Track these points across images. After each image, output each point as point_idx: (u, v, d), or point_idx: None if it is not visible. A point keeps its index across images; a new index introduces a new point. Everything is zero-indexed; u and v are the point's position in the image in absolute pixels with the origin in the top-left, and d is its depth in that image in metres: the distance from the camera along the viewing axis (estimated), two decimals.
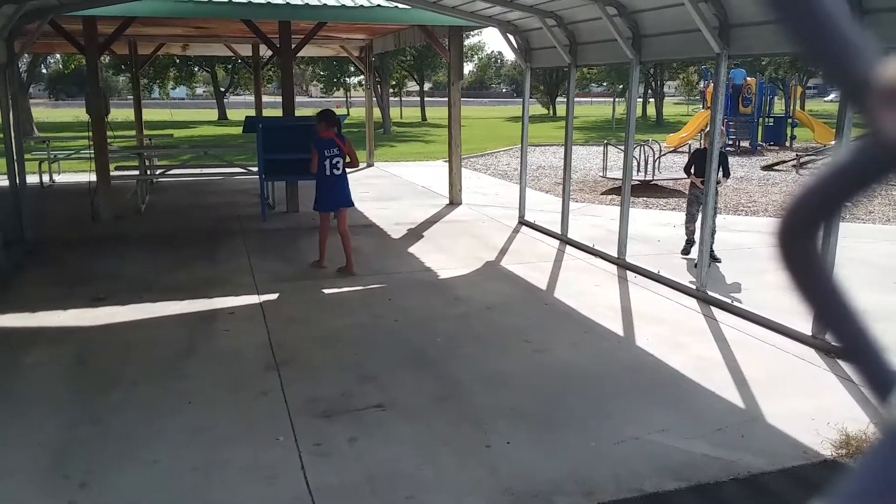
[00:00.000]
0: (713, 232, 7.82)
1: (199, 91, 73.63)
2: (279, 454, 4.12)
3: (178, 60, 41.64)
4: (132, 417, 4.56)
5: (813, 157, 19.22)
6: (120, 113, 25.91)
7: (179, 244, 9.65)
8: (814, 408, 4.61)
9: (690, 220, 8.54)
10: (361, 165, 7.62)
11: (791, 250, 0.42)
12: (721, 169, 7.93)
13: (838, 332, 0.39)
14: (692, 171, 8.35)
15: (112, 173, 11.57)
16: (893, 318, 5.76)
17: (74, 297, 7.10)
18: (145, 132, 18.18)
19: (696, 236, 8.21)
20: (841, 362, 5.27)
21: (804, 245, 0.44)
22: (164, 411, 4.64)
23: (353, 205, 8.11)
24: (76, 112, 38.41)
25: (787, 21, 0.37)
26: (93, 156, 11.07)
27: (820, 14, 0.35)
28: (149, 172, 13.84)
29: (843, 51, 0.35)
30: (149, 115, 29.68)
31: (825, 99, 61.11)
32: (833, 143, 12.84)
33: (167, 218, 11.60)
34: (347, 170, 7.84)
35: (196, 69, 47.50)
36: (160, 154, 15.81)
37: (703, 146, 8.18)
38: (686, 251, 8.70)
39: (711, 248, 7.89)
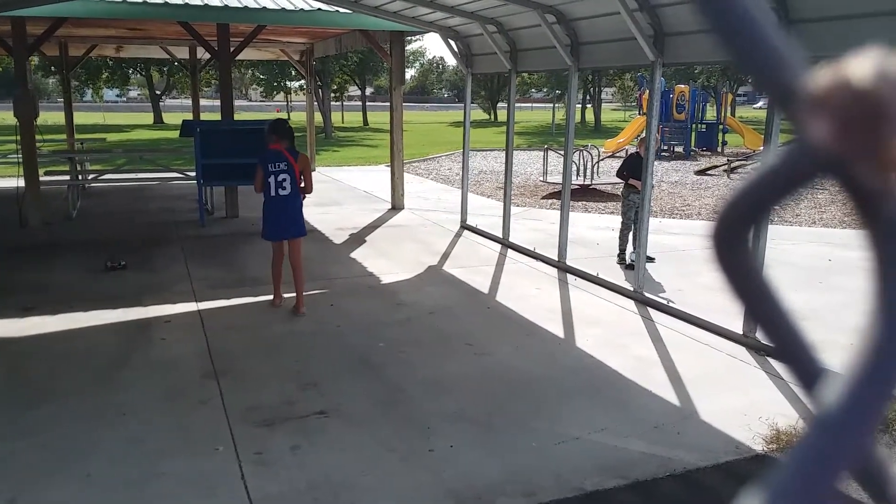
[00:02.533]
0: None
1: (134, 94, 71.73)
2: (218, 465, 4.04)
3: (111, 62, 40.50)
4: (64, 430, 4.40)
5: (743, 162, 19.86)
6: (50, 116, 25.04)
7: (113, 251, 9.36)
8: (746, 404, 4.76)
9: (627, 228, 8.50)
10: None
11: (724, 251, 0.43)
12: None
13: (769, 330, 0.41)
14: (625, 174, 8.37)
15: (41, 178, 11.16)
16: (819, 317, 6.01)
17: (1, 307, 6.82)
18: (77, 136, 17.61)
19: (629, 246, 8.35)
20: (771, 360, 5.47)
21: (736, 246, 0.45)
22: (98, 423, 4.50)
23: (303, 234, 6.75)
24: (3, 115, 36.95)
25: (717, 31, 0.38)
26: (21, 160, 10.66)
27: (748, 25, 0.36)
28: (80, 177, 13.40)
29: (771, 60, 0.36)
30: (80, 118, 28.77)
31: (754, 106, 63.29)
32: (762, 148, 13.31)
33: (100, 224, 11.25)
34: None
35: (130, 72, 46.28)
36: (92, 158, 15.33)
37: (638, 152, 8.30)
38: (622, 260, 8.59)
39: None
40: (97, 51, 18.76)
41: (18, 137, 10.56)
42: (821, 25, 5.23)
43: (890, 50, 0.33)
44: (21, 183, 10.69)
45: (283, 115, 32.80)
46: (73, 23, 11.08)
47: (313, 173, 7.35)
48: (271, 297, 7.22)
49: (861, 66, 0.32)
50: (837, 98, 0.32)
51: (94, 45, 17.45)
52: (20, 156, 10.66)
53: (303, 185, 6.54)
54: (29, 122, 10.55)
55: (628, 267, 8.23)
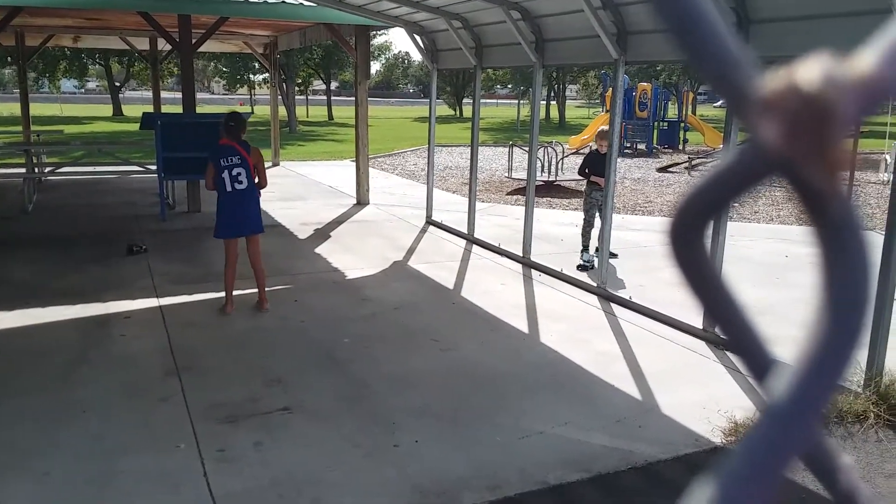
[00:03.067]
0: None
1: (92, 85, 70.21)
2: (180, 462, 3.99)
3: (69, 53, 39.58)
4: (22, 428, 4.31)
5: (703, 159, 20.18)
6: (5, 107, 24.42)
7: (71, 246, 9.18)
8: (705, 397, 4.85)
9: (589, 225, 8.45)
10: (266, 164, 6.79)
11: (681, 248, 0.44)
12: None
13: (724, 325, 0.42)
14: (586, 172, 8.34)
15: None
16: (775, 312, 6.14)
17: None
18: (33, 128, 17.19)
19: (593, 243, 8.37)
20: (728, 354, 5.58)
21: (693, 242, 0.46)
22: (57, 421, 4.41)
23: (261, 230, 6.47)
24: None
25: (673, 32, 0.39)
26: None
27: (703, 27, 0.38)
28: (37, 170, 13.08)
29: (725, 63, 0.38)
30: (37, 109, 28.06)
31: (714, 105, 64.26)
32: (721, 146, 13.56)
33: (58, 218, 11.00)
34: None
35: (89, 62, 45.29)
36: (49, 151, 14.99)
37: (597, 149, 8.28)
38: (586, 261, 8.46)
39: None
40: (54, 41, 18.33)
41: None
42: (779, 26, 5.34)
43: (838, 53, 0.34)
44: None
45: (247, 109, 32.43)
46: (30, 12, 10.82)
47: (277, 167, 7.22)
48: (235, 292, 7.14)
49: (809, 69, 0.34)
50: (786, 101, 0.33)
51: (51, 35, 17.05)
52: None
53: (258, 179, 6.34)
54: None
55: (581, 268, 8.22)
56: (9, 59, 23.56)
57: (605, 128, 8.08)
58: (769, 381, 0.42)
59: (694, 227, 0.46)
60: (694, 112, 34.02)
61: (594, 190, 8.28)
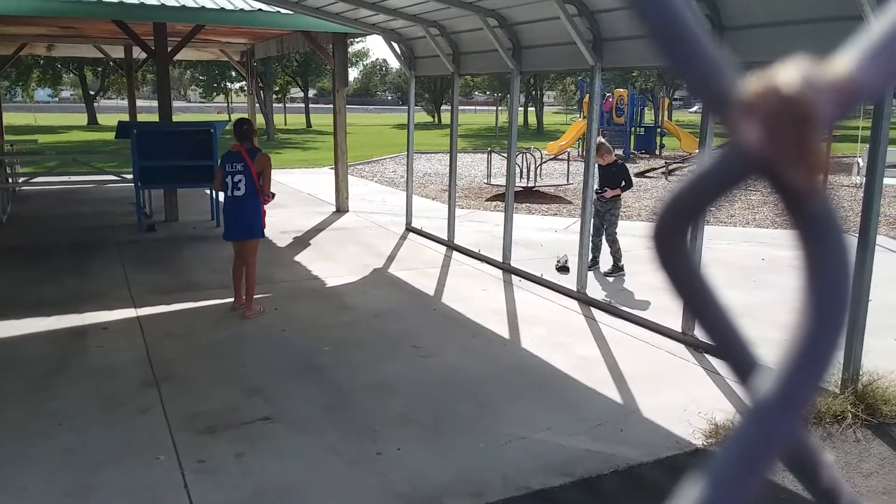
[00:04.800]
0: (614, 241, 8.19)
1: (67, 94, 69.43)
2: (160, 474, 3.95)
3: (42, 62, 39.13)
4: None
5: (680, 164, 20.37)
6: None
7: (46, 256, 9.05)
8: (685, 400, 4.89)
9: (597, 234, 8.33)
10: None
11: (663, 250, 0.45)
12: (624, 180, 8.20)
13: (707, 326, 0.43)
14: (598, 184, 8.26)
15: None
16: (753, 314, 6.20)
17: None
18: (6, 137, 16.94)
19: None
20: (708, 356, 5.62)
21: (675, 245, 0.47)
22: (33, 434, 4.34)
23: (255, 236, 6.65)
24: None
25: (652, 37, 0.40)
26: None
27: (682, 31, 0.38)
28: (11, 180, 12.90)
29: (704, 66, 0.38)
30: (10, 118, 27.69)
31: (690, 110, 64.92)
32: (697, 151, 13.67)
33: (32, 229, 10.85)
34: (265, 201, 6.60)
35: (63, 71, 44.80)
36: (23, 161, 14.79)
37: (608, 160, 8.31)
38: (593, 264, 8.30)
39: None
40: (27, 49, 18.10)
41: None
42: (752, 32, 5.41)
43: (815, 57, 0.35)
44: None
45: (224, 117, 32.26)
46: (2, 20, 10.68)
47: None
48: (214, 301, 7.11)
49: (788, 72, 0.34)
50: (766, 103, 0.34)
51: (24, 44, 16.83)
52: None
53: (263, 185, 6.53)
54: None
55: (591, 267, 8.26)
56: None
57: (602, 140, 8.15)
58: (752, 381, 0.43)
59: (677, 230, 0.47)
60: (670, 117, 34.35)
61: (596, 200, 8.24)
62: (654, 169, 20.09)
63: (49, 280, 7.90)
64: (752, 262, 9.11)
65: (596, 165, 7.82)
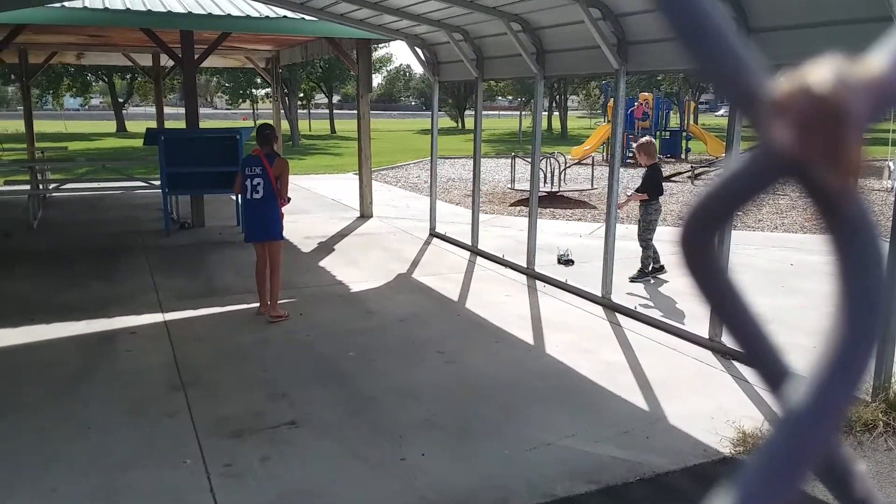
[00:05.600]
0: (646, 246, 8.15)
1: (96, 102, 70.58)
2: (186, 477, 3.98)
3: (72, 70, 39.82)
4: (26, 444, 4.30)
5: (706, 168, 20.17)
6: (9, 125, 24.55)
7: (76, 262, 9.19)
8: (712, 407, 4.82)
9: (648, 246, 8.26)
10: None
11: (692, 256, 0.44)
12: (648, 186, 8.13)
13: (736, 333, 0.42)
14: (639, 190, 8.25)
15: (0, 188, 10.92)
16: (782, 320, 6.12)
17: None
18: (37, 144, 17.25)
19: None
20: (736, 363, 5.55)
21: (704, 250, 0.46)
22: (62, 437, 4.40)
23: (274, 238, 6.77)
24: None
25: (681, 39, 0.39)
26: None
27: (711, 32, 0.37)
28: (41, 187, 13.13)
29: (735, 67, 0.37)
30: (41, 126, 28.21)
31: (716, 114, 64.31)
32: (724, 155, 13.48)
33: (62, 234, 11.03)
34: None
35: (92, 79, 45.56)
36: (54, 167, 15.05)
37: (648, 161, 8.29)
38: (643, 276, 8.26)
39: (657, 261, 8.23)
40: (58, 58, 18.43)
41: None
42: (780, 34, 5.34)
43: (847, 56, 0.34)
44: None
45: (250, 123, 32.58)
46: (33, 29, 10.89)
47: None
48: (240, 306, 7.17)
49: (821, 71, 0.33)
50: (798, 103, 0.33)
51: (54, 53, 17.15)
52: None
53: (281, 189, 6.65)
54: None
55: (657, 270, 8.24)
56: (12, 76, 23.76)
57: (643, 139, 8.11)
58: (782, 389, 0.42)
59: (705, 235, 0.46)
60: (696, 121, 34.06)
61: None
62: (680, 173, 19.92)
63: (78, 285, 8.02)
64: (781, 266, 8.99)
65: (620, 169, 7.79)
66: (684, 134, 26.08)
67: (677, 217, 13.23)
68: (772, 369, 0.44)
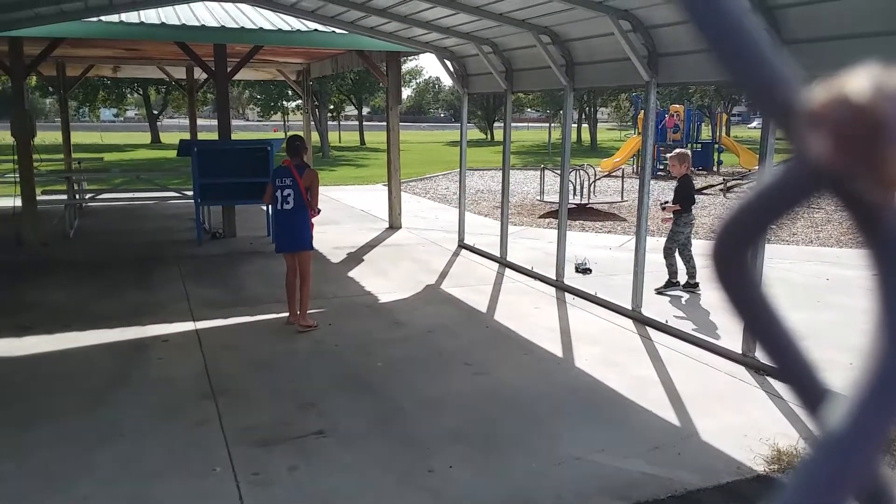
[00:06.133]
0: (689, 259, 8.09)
1: (131, 114, 71.96)
2: (216, 485, 4.00)
3: (108, 82, 40.66)
4: (60, 451, 4.36)
5: (739, 181, 19.92)
6: (47, 136, 25.06)
7: (110, 270, 9.35)
8: (746, 424, 4.74)
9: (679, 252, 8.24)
10: None
11: (724, 270, 0.43)
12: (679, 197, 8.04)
13: (771, 349, 0.41)
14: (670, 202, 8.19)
15: (38, 197, 11.16)
16: (818, 336, 6.01)
17: None
18: (74, 155, 17.62)
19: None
20: (770, 379, 5.45)
21: (737, 264, 0.45)
22: (95, 444, 4.46)
23: (304, 248, 6.79)
24: (1, 134, 37.02)
25: (715, 50, 0.38)
26: (18, 180, 10.67)
27: (745, 43, 0.36)
28: (78, 197, 13.40)
29: (769, 77, 0.36)
30: (78, 137, 28.83)
31: (749, 126, 63.61)
32: (757, 167, 13.32)
33: (97, 243, 11.23)
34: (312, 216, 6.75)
35: (127, 91, 46.46)
36: (90, 178, 15.34)
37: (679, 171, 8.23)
38: (669, 286, 8.22)
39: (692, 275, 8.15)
40: (94, 71, 18.83)
41: (16, 157, 10.57)
42: (814, 46, 5.27)
43: (886, 66, 0.33)
44: (18, 202, 10.69)
45: (280, 135, 32.94)
46: (71, 43, 11.14)
47: None
48: (270, 315, 7.22)
49: (859, 81, 0.32)
50: (836, 113, 0.32)
51: (91, 66, 17.52)
52: (17, 175, 10.66)
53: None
54: (26, 142, 10.57)
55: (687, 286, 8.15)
56: (50, 89, 24.29)
57: (678, 150, 8.07)
58: (820, 408, 0.41)
59: (739, 248, 0.45)
60: (728, 133, 33.70)
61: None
62: (712, 186, 19.70)
63: (113, 293, 8.15)
64: (816, 281, 8.83)
65: (651, 181, 7.72)
66: (716, 146, 25.82)
67: (709, 230, 13.08)
68: (807, 386, 0.43)
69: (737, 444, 4.46)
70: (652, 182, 8.26)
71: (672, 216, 8.20)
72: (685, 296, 8.10)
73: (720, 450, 4.43)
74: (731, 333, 6.08)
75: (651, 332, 6.83)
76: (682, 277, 8.24)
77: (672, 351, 6.29)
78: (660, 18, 6.46)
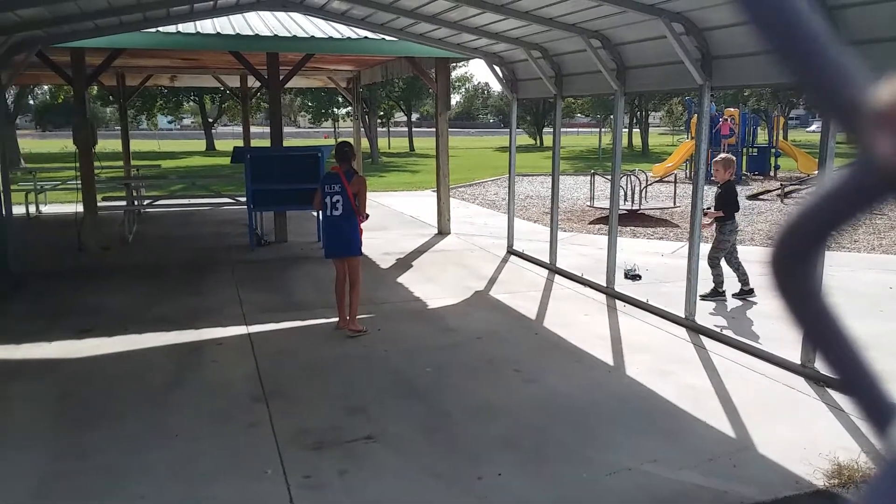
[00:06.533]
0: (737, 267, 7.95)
1: (187, 121, 73.80)
2: (268, 487, 4.06)
3: (165, 91, 41.80)
4: (118, 451, 4.48)
5: (797, 186, 19.40)
6: (108, 143, 25.90)
7: (167, 274, 9.59)
8: (804, 437, 4.60)
9: (716, 265, 8.06)
10: None
11: (783, 277, 0.41)
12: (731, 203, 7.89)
13: (831, 359, 0.39)
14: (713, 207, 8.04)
15: (99, 204, 11.52)
16: (881, 346, 5.79)
17: (60, 329, 7.03)
18: (133, 162, 18.14)
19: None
20: (830, 391, 5.28)
21: (799, 271, 0.43)
22: (151, 445, 4.57)
23: (353, 254, 6.85)
24: (64, 142, 38.33)
25: (776, 48, 0.37)
26: (79, 186, 11.03)
27: (810, 42, 0.35)
28: (136, 203, 13.79)
29: (833, 76, 0.35)
30: (136, 145, 29.68)
31: (807, 129, 61.96)
32: (816, 172, 12.94)
33: (154, 248, 11.54)
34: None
35: (183, 100, 47.69)
36: (148, 184, 15.78)
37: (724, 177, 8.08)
38: (715, 295, 8.05)
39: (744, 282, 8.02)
40: (152, 80, 19.36)
41: (78, 164, 10.94)
42: (875, 47, 5.10)
43: None
44: (80, 208, 11.05)
45: (331, 142, 33.36)
46: (130, 54, 11.48)
47: None
48: (320, 320, 7.31)
49: None
50: None
51: (149, 75, 18.02)
52: (79, 182, 11.03)
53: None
54: (88, 150, 10.93)
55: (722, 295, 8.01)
56: (111, 97, 25.09)
57: (722, 155, 7.92)
58: (885, 422, 0.39)
59: (800, 255, 0.43)
60: (785, 137, 32.87)
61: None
62: (769, 191, 19.23)
63: (169, 297, 8.35)
64: (879, 290, 8.53)
65: (705, 187, 7.57)
66: (773, 150, 25.20)
67: (766, 237, 12.76)
68: (871, 399, 0.41)
69: (795, 457, 4.33)
70: (706, 188, 8.09)
71: (712, 222, 8.00)
72: (738, 303, 7.91)
73: (777, 463, 4.30)
74: (788, 343, 5.90)
75: (705, 340, 6.69)
76: (734, 286, 8.05)
77: (727, 360, 6.15)
78: (714, 20, 6.34)
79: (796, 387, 5.50)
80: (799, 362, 5.73)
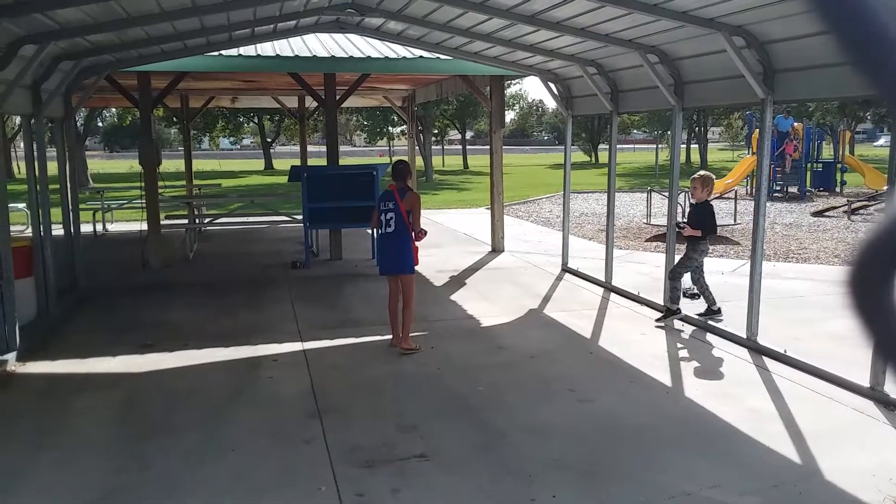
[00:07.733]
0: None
1: (247, 141, 75.71)
2: None
3: (226, 112, 42.98)
4: (176, 464, 4.56)
5: (865, 202, 18.74)
6: (171, 163, 26.74)
7: (225, 291, 9.79)
8: (874, 463, 4.40)
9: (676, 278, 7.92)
10: None
11: (861, 297, 0.38)
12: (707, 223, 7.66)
13: None
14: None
15: (162, 222, 11.86)
16: None
17: (123, 343, 7.22)
18: (195, 182, 18.66)
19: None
20: None
21: (875, 291, 0.40)
22: (208, 458, 4.64)
23: (405, 271, 6.84)
24: (130, 163, 39.74)
25: (847, 48, 0.34)
26: (144, 205, 11.39)
27: (883, 32, 0.32)
28: (197, 221, 14.16)
29: None
30: (198, 165, 30.59)
31: (875, 144, 59.98)
32: (885, 188, 12.50)
33: (214, 265, 11.81)
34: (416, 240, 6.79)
35: (243, 121, 48.95)
36: (209, 203, 16.19)
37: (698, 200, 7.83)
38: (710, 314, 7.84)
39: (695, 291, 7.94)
40: (214, 102, 19.93)
41: (143, 184, 11.30)
42: None
43: None
44: (144, 227, 11.40)
45: (386, 160, 33.74)
46: (193, 76, 11.84)
47: None
48: (374, 337, 7.34)
49: None
50: None
51: (211, 97, 18.56)
52: (144, 201, 11.39)
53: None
54: (152, 170, 11.29)
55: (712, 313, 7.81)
56: (174, 119, 25.93)
57: (701, 173, 7.78)
58: None
59: (877, 274, 0.40)
60: (852, 152, 31.87)
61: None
62: (835, 207, 18.63)
63: (227, 313, 8.52)
64: None
65: (767, 204, 7.35)
66: (839, 166, 24.45)
67: (832, 254, 12.34)
68: None
69: (864, 484, 4.14)
70: (768, 204, 7.88)
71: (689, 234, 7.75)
72: (805, 325, 7.64)
73: (845, 490, 4.12)
74: (858, 365, 5.67)
75: (768, 362, 6.48)
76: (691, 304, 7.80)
77: (791, 383, 5.94)
78: (776, 34, 6.19)
79: (865, 411, 5.28)
80: (868, 385, 5.49)
